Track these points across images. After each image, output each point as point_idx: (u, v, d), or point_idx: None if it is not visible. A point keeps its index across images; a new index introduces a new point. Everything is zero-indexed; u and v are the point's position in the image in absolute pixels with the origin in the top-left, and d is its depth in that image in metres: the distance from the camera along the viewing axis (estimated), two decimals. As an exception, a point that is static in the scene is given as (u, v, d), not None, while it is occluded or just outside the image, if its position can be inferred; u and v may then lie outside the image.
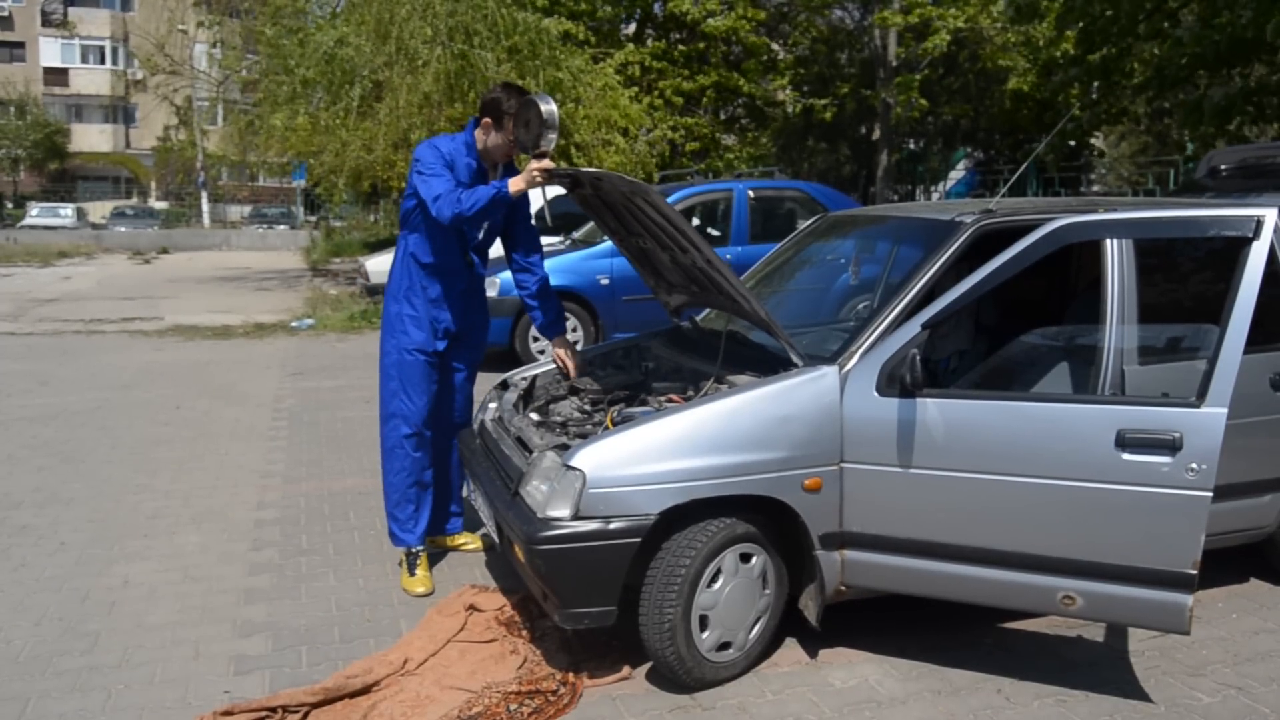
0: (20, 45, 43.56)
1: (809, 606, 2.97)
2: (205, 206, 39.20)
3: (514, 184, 3.36)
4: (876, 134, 23.88)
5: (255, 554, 4.01)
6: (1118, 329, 2.95)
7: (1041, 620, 3.30)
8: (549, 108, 3.35)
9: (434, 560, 3.91)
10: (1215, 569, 3.46)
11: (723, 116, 24.11)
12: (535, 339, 8.07)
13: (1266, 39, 9.37)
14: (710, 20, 20.73)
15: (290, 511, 4.54)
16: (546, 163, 3.33)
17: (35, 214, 35.75)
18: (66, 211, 36.05)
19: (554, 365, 3.91)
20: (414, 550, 3.71)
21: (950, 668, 3.01)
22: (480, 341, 3.89)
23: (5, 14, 43.10)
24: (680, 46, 22.00)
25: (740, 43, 21.99)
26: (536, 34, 14.22)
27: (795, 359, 2.95)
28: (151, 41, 19.50)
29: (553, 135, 3.34)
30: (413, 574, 3.67)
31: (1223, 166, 4.80)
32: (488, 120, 3.53)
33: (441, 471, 3.90)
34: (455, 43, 13.55)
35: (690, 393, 3.21)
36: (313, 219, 35.25)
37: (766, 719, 2.74)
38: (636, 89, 18.66)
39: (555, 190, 3.51)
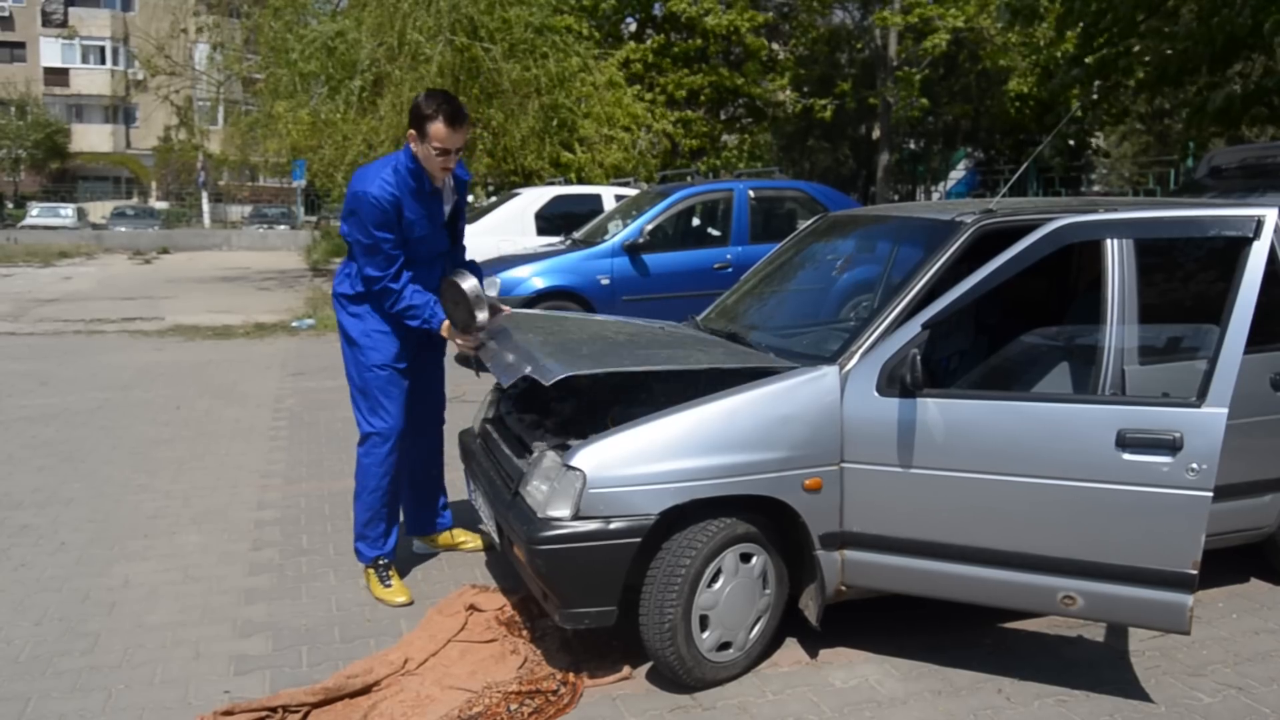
0: (20, 45, 43.58)
1: (809, 606, 2.97)
2: (205, 206, 39.24)
3: (444, 331, 3.43)
4: (877, 134, 23.88)
5: (255, 554, 4.01)
6: (1118, 329, 2.95)
7: (1041, 620, 3.30)
8: (469, 284, 3.29)
9: (432, 560, 3.91)
10: (1215, 569, 3.46)
11: (723, 116, 24.14)
12: (535, 339, 8.06)
13: (1265, 38, 9.36)
14: (707, 18, 20.75)
15: (290, 511, 4.54)
16: (470, 343, 3.39)
17: (35, 214, 35.72)
18: (67, 211, 36.02)
19: None
20: (382, 561, 3.63)
21: (950, 668, 3.01)
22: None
23: (5, 14, 43.11)
24: (679, 45, 22.03)
25: (740, 43, 22.01)
26: (536, 31, 14.26)
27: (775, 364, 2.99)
28: (152, 42, 19.51)
29: (483, 314, 3.30)
30: (387, 585, 3.58)
31: (1223, 166, 4.80)
32: (411, 131, 3.32)
33: (428, 469, 3.87)
34: (458, 36, 13.55)
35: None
36: (313, 219, 35.24)
37: (766, 719, 2.74)
38: (638, 87, 18.71)
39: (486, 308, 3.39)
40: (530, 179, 15.48)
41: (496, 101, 14.65)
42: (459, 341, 3.39)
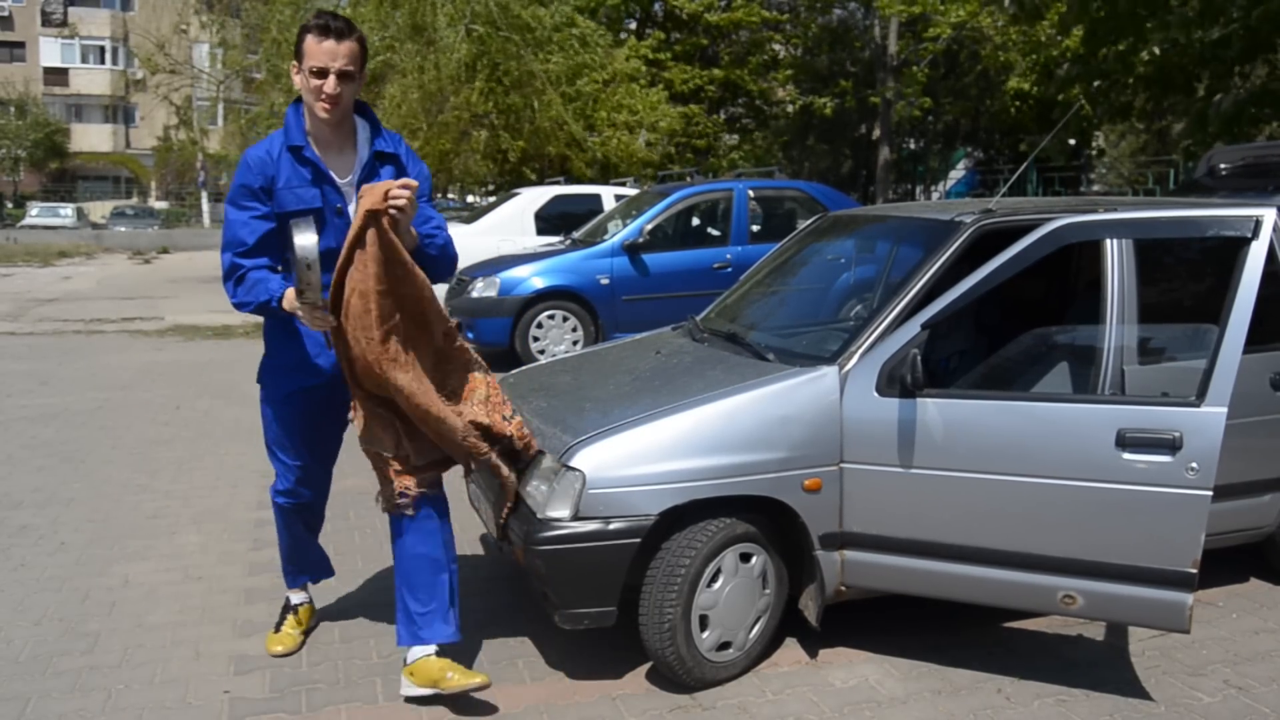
0: (20, 45, 43.59)
1: (809, 606, 2.97)
2: (205, 206, 39.20)
3: (287, 301, 2.62)
4: (876, 134, 23.90)
5: (255, 554, 4.01)
6: (1118, 329, 2.95)
7: (1042, 620, 3.30)
8: (304, 240, 2.46)
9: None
10: (1215, 569, 3.46)
11: (723, 116, 24.19)
12: (535, 339, 8.08)
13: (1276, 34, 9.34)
14: (708, 15, 20.81)
15: (290, 511, 4.53)
16: (306, 312, 2.57)
17: (35, 214, 35.72)
18: (66, 211, 36.02)
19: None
20: (293, 600, 3.23)
21: (950, 667, 3.01)
22: None
23: (5, 14, 43.11)
24: (681, 44, 22.09)
25: (739, 42, 22.06)
26: (555, 28, 14.41)
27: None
28: (152, 41, 19.52)
29: (312, 276, 2.46)
30: (276, 629, 3.19)
31: (1222, 166, 4.80)
32: (294, 62, 2.65)
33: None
34: (479, 25, 13.54)
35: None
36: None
37: (766, 719, 2.74)
38: (643, 82, 18.79)
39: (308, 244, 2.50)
40: (545, 172, 15.58)
41: (521, 91, 14.67)
42: (299, 310, 2.58)
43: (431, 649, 2.77)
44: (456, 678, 2.70)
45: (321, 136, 2.72)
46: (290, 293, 2.60)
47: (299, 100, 2.72)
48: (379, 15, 13.83)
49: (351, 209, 2.69)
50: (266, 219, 2.71)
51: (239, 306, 2.75)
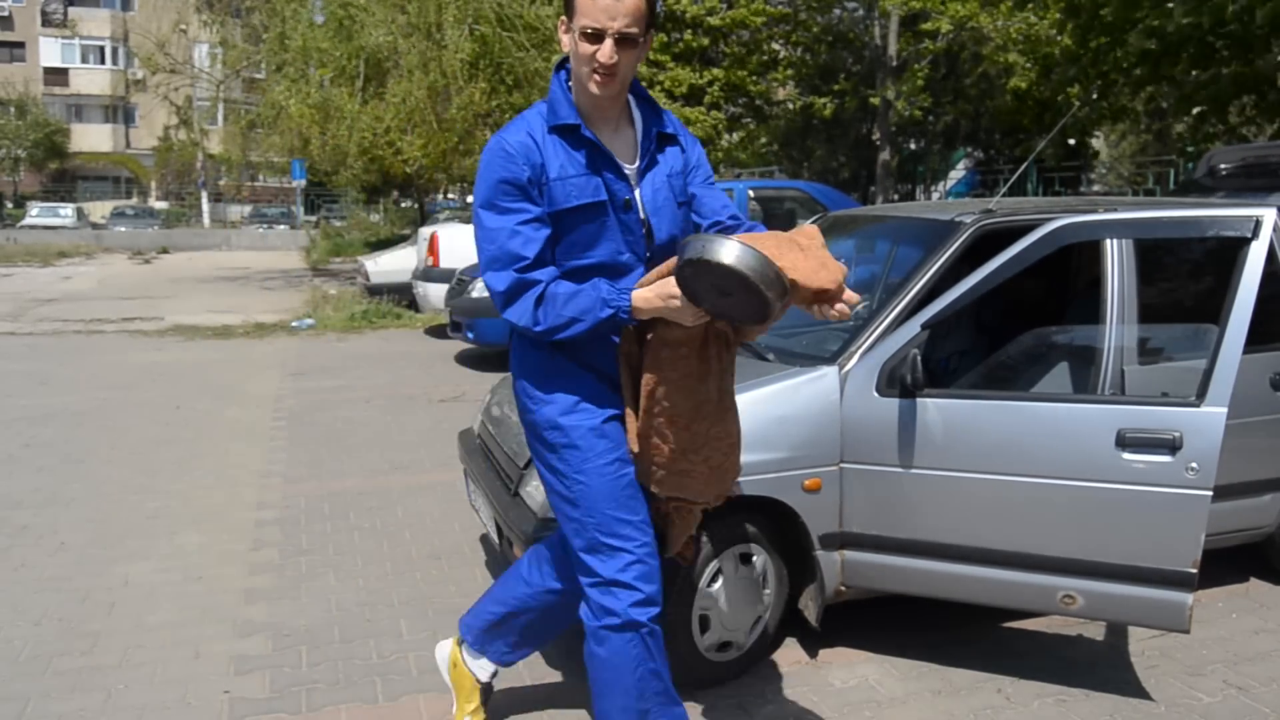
0: (20, 45, 43.64)
1: (809, 606, 2.97)
2: (205, 206, 39.24)
3: (645, 300, 2.03)
4: (876, 134, 23.91)
5: (255, 554, 4.01)
6: (1118, 329, 2.95)
7: (1041, 620, 3.30)
8: (738, 253, 1.84)
9: (432, 562, 3.89)
10: (1215, 569, 3.46)
11: (725, 115, 24.23)
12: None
13: (1259, 26, 9.39)
14: (711, 18, 20.82)
15: (290, 511, 4.54)
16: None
17: (35, 214, 35.76)
18: (66, 211, 36.05)
19: None
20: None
21: (950, 667, 3.01)
22: None
23: (5, 14, 43.14)
24: (681, 43, 22.12)
25: (741, 42, 22.09)
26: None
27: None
28: (152, 41, 19.51)
29: (774, 295, 1.87)
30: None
31: (1222, 166, 4.80)
32: (562, 19, 2.11)
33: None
34: (483, 25, 13.53)
35: None
36: (313, 219, 35.26)
37: (766, 719, 2.74)
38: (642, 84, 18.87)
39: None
40: None
41: (523, 90, 14.70)
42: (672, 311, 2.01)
43: (492, 669, 2.59)
44: (467, 709, 2.59)
45: (593, 112, 2.14)
46: (647, 294, 2.02)
47: (563, 65, 2.17)
48: (384, 11, 13.82)
49: (636, 195, 2.15)
50: (542, 223, 2.08)
51: (547, 334, 2.06)
